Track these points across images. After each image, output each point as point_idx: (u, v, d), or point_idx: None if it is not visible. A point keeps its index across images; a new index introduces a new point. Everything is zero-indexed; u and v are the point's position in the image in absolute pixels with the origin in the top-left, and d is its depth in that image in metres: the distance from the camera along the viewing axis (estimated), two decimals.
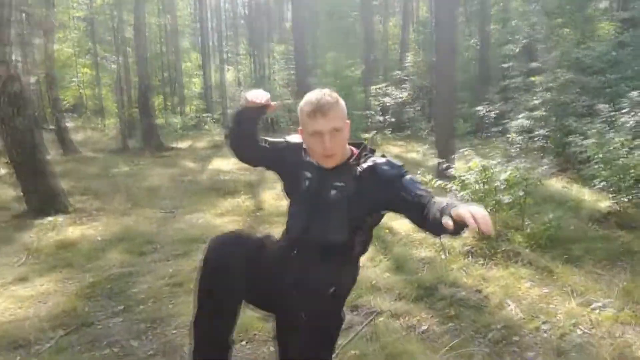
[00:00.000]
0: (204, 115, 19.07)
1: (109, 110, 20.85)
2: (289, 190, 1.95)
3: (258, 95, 1.81)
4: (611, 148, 5.33)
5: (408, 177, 1.70)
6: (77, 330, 3.10)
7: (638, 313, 3.19)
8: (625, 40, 8.30)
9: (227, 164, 10.16)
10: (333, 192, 1.77)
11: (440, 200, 1.53)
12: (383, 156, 1.81)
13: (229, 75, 23.57)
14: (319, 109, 1.68)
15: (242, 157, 1.97)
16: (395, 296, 3.45)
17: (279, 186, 7.54)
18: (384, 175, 1.70)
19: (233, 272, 1.72)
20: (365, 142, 1.92)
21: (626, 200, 5.36)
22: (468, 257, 4.25)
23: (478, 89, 14.76)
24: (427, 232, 1.65)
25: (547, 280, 3.77)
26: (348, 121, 1.79)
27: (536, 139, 8.30)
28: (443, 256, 4.29)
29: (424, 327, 3.05)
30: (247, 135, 1.90)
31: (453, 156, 7.45)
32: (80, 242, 4.99)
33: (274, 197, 6.72)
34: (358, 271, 1.94)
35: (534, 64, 10.37)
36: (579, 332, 3.00)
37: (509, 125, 10.01)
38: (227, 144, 1.97)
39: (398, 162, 1.75)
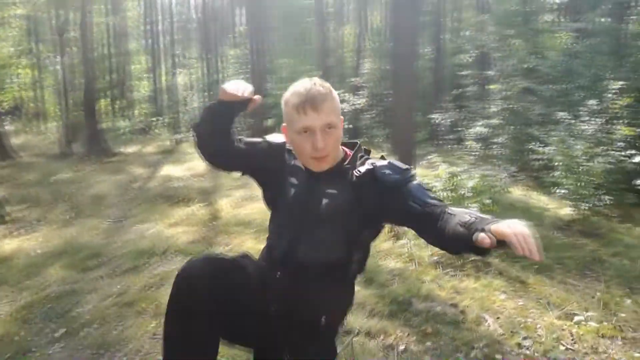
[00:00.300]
0: (153, 119, 18.35)
1: (51, 113, 19.77)
2: (270, 200, 1.67)
3: (239, 87, 1.49)
4: (574, 156, 5.33)
5: (415, 182, 1.44)
6: (12, 359, 2.71)
7: (618, 325, 3.11)
8: (579, 50, 8.48)
9: (178, 170, 9.69)
10: (325, 201, 1.50)
11: (459, 212, 1.29)
12: (383, 158, 1.55)
13: (180, 78, 22.87)
14: (310, 102, 1.42)
15: (212, 161, 1.65)
16: (368, 312, 3.21)
17: (236, 193, 7.29)
18: (386, 181, 1.43)
19: (201, 294, 1.41)
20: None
21: (587, 207, 5.37)
22: (437, 267, 4.08)
23: (432, 97, 14.88)
24: (441, 248, 1.41)
25: (520, 292, 3.64)
26: (341, 117, 1.53)
27: (493, 146, 8.32)
28: (412, 267, 4.10)
29: (402, 347, 2.83)
30: (220, 134, 1.58)
31: (413, 165, 7.34)
32: (17, 256, 4.52)
33: (231, 204, 6.38)
34: (353, 295, 1.66)
35: (490, 72, 10.48)
36: (562, 347, 2.87)
37: (465, 133, 10.05)
38: (195, 144, 1.65)
39: (402, 165, 1.48)
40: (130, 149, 14.93)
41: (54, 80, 17.84)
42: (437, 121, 11.37)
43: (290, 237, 1.53)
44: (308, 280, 1.49)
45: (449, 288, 3.64)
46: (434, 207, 1.35)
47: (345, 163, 1.55)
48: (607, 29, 8.88)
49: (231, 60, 20.73)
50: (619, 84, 6.02)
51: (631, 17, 9.52)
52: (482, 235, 1.11)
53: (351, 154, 1.58)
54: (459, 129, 11.06)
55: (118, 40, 23.60)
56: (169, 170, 9.91)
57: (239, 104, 1.53)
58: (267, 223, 5.20)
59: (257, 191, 5.87)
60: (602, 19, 9.64)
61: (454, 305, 3.35)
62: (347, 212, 1.47)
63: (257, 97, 1.54)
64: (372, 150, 1.67)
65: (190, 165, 10.12)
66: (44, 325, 3.11)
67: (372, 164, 1.48)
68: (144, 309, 3.32)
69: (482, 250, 1.15)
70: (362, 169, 1.48)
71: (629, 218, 5.59)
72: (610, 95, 6.01)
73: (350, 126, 15.64)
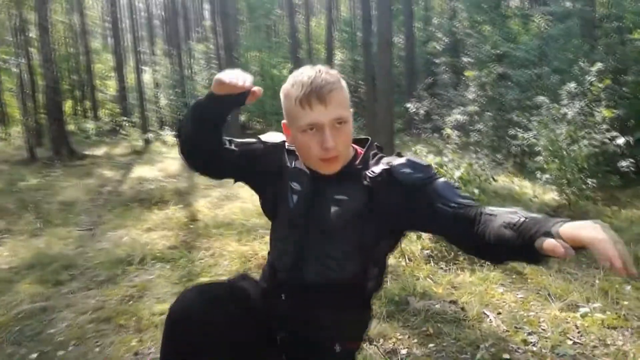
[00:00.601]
0: (121, 119, 17.81)
1: (13, 117, 19.02)
2: (270, 210, 1.44)
3: (238, 76, 1.23)
4: (557, 140, 5.26)
5: (441, 180, 1.23)
6: None
7: (621, 314, 3.00)
8: (552, 33, 8.46)
9: (151, 171, 9.35)
10: (334, 209, 1.28)
11: (501, 211, 1.09)
12: (399, 155, 1.33)
13: (146, 76, 22.30)
14: (315, 93, 1.19)
15: (199, 167, 1.42)
16: None
17: (213, 193, 7.00)
18: (406, 181, 1.22)
19: (198, 332, 1.21)
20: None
21: (572, 192, 5.32)
22: (430, 262, 3.94)
23: (405, 86, 14.80)
24: (482, 257, 1.21)
25: (518, 284, 3.52)
26: (351, 109, 1.31)
27: (472, 134, 8.24)
28: (404, 263, 3.95)
29: (404, 351, 2.67)
30: (212, 136, 1.34)
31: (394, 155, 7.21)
32: None
33: (210, 205, 6.13)
34: (371, 317, 1.45)
35: (465, 59, 10.40)
36: (569, 342, 2.74)
37: (441, 121, 9.97)
38: (181, 151, 1.40)
39: (423, 162, 1.27)
40: (99, 151, 14.46)
41: (14, 83, 17.15)
42: (412, 110, 11.25)
43: (295, 253, 1.32)
44: (318, 303, 1.29)
45: (445, 284, 3.50)
46: (468, 208, 1.14)
47: (357, 163, 1.33)
48: (578, 12, 8.86)
49: (198, 55, 20.30)
50: (597, 66, 5.96)
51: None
52: (550, 242, 0.90)
53: (362, 153, 1.36)
54: (435, 117, 10.98)
55: (80, 39, 22.91)
56: (140, 171, 9.55)
57: (237, 98, 1.27)
58: (249, 223, 4.93)
59: (236, 190, 5.61)
60: (570, 3, 9.65)
61: (453, 302, 3.21)
62: (360, 221, 1.27)
63: (257, 88, 1.29)
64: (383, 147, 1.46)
65: (163, 166, 9.79)
66: (14, 350, 2.83)
67: (387, 162, 1.27)
68: (124, 324, 3.09)
69: (539, 259, 0.96)
70: (377, 169, 1.26)
71: (614, 200, 5.57)
72: (589, 77, 5.95)
73: None
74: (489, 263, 3.63)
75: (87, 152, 13.54)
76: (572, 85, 5.99)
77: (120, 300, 3.43)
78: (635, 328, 2.87)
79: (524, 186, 6.62)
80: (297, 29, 17.47)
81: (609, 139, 5.46)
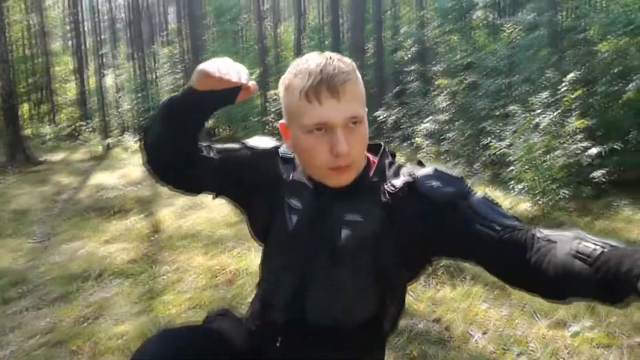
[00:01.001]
0: (80, 123, 17.15)
1: None
2: (260, 231, 1.19)
3: (230, 68, 0.97)
4: (533, 149, 5.20)
5: (478, 196, 1.01)
6: None
7: (609, 332, 2.89)
8: (521, 43, 8.52)
9: (111, 178, 8.91)
10: (345, 232, 1.03)
11: (561, 237, 0.87)
12: (420, 163, 1.10)
13: (108, 80, 21.65)
14: (327, 83, 0.95)
15: (170, 179, 1.16)
16: None
17: (178, 201, 6.68)
18: (436, 197, 0.99)
19: None
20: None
21: (544, 202, 5.26)
22: None
23: (374, 94, 14.75)
24: (541, 294, 0.92)
25: (502, 299, 3.38)
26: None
27: (442, 143, 8.18)
28: None
29: None
30: (185, 141, 1.08)
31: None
32: None
33: (174, 214, 5.81)
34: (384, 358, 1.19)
35: (435, 67, 10.39)
36: None
37: (410, 130, 9.91)
38: (144, 158, 1.14)
39: (453, 173, 1.05)
40: (57, 156, 13.85)
41: None
42: (381, 119, 11.18)
43: (295, 287, 1.08)
44: (323, 351, 1.05)
45: (426, 300, 3.32)
46: (517, 231, 0.92)
47: (371, 174, 1.08)
48: (546, 23, 8.95)
49: (163, 59, 19.84)
50: (571, 75, 5.97)
51: (560, 12, 9.70)
52: None
53: (376, 161, 1.11)
54: (404, 126, 10.92)
55: (39, 41, 22.11)
56: (100, 178, 9.10)
57: (225, 95, 1.00)
58: (216, 234, 4.57)
59: (202, 198, 5.23)
60: (535, 14, 9.76)
61: (436, 321, 3.03)
62: (378, 247, 1.02)
63: (252, 83, 1.01)
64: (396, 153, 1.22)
65: (124, 172, 9.37)
66: None
67: (410, 174, 1.04)
68: (79, 348, 2.82)
69: (623, 299, 0.77)
70: (397, 182, 1.03)
71: (586, 211, 5.53)
72: (562, 87, 5.95)
73: None
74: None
75: (43, 158, 12.94)
76: (544, 95, 5.97)
77: (74, 322, 3.15)
78: (625, 347, 2.76)
79: (496, 196, 6.55)
80: (265, 34, 17.26)
81: (582, 150, 5.44)
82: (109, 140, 14.50)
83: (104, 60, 24.46)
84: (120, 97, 20.40)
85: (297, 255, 1.08)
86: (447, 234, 0.98)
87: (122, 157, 12.64)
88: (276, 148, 1.18)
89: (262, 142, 1.21)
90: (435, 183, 1.00)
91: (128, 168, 9.89)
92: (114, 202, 6.69)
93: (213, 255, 4.26)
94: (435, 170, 1.04)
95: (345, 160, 0.98)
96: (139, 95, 17.73)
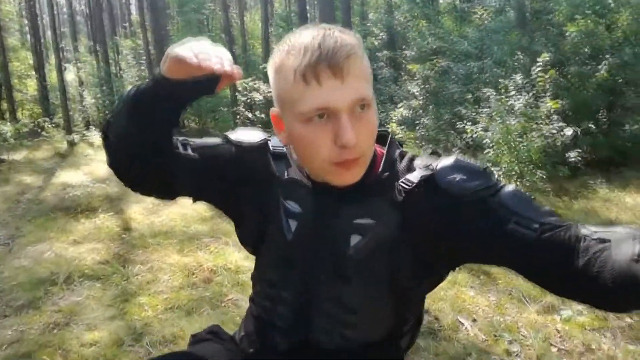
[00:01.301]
0: (43, 119, 16.54)
1: None
2: (251, 241, 1.02)
3: (209, 53, 0.81)
4: (510, 132, 5.18)
5: (509, 189, 0.83)
6: None
7: (600, 315, 2.85)
8: (491, 26, 8.50)
9: (76, 175, 8.58)
10: (355, 239, 0.87)
11: (618, 235, 0.73)
12: (435, 153, 0.95)
13: (70, 75, 20.96)
14: (328, 60, 0.78)
15: (139, 182, 0.98)
16: None
17: (148, 197, 6.54)
18: (460, 193, 0.83)
19: None
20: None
21: (521, 184, 5.25)
22: None
23: None
24: (590, 303, 0.78)
25: (488, 285, 3.32)
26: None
27: (418, 128, 8.12)
28: None
29: None
30: (156, 137, 0.91)
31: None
32: None
33: (144, 211, 5.59)
34: None
35: (407, 52, 10.31)
36: (554, 350, 2.55)
37: (385, 116, 9.84)
38: (108, 158, 0.96)
39: (477, 164, 0.88)
40: (18, 155, 13.30)
41: None
42: None
43: (298, 305, 0.93)
44: None
45: None
46: (558, 229, 0.77)
47: (381, 169, 0.90)
48: (514, 5, 8.96)
49: (126, 52, 19.31)
50: (544, 56, 5.95)
51: None
52: None
53: (384, 153, 0.93)
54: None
55: None
56: (65, 176, 8.75)
57: (203, 84, 0.83)
58: (190, 230, 4.35)
59: None
60: None
61: (425, 311, 2.95)
62: (394, 254, 0.87)
63: (237, 68, 0.83)
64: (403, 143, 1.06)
65: (90, 169, 9.05)
66: None
67: (426, 166, 0.88)
68: (49, 357, 2.64)
69: None
70: (413, 176, 0.87)
71: (564, 191, 5.55)
72: (535, 69, 5.93)
73: (264, 116, 15.05)
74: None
75: (4, 157, 12.40)
76: (518, 77, 5.95)
77: (42, 329, 2.96)
78: (616, 328, 2.72)
79: None
80: (231, 23, 16.91)
81: (557, 130, 5.45)
82: (74, 136, 14.02)
83: (65, 54, 23.69)
84: (83, 91, 19.80)
85: (299, 267, 0.92)
86: (475, 236, 0.83)
87: (87, 153, 12.24)
88: (265, 142, 1.01)
89: (247, 135, 1.02)
90: (457, 176, 0.85)
91: (94, 164, 9.57)
92: (81, 200, 6.40)
93: (188, 252, 4.08)
94: (457, 162, 0.88)
95: (352, 153, 0.81)
96: (103, 88, 17.23)
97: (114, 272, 3.76)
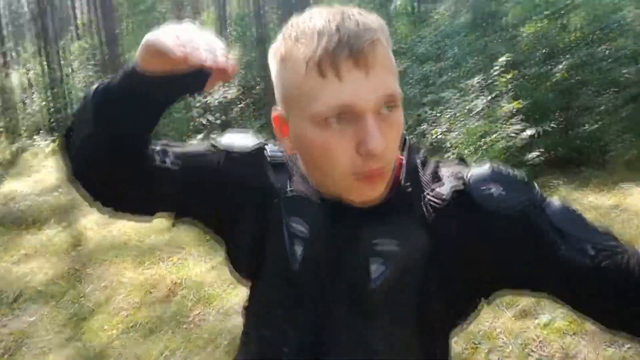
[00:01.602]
0: None
1: None
2: (244, 267, 0.84)
3: (197, 41, 0.65)
4: (472, 133, 5.19)
5: (556, 204, 0.70)
6: None
7: (574, 320, 2.82)
8: (447, 30, 8.60)
9: (23, 185, 8.10)
10: (376, 267, 0.71)
11: None
12: (462, 160, 0.80)
13: (14, 79, 20.06)
14: (350, 46, 0.62)
15: (108, 199, 0.82)
16: None
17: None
18: (500, 209, 0.69)
19: None
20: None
21: None
22: None
23: None
24: None
25: None
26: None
27: None
28: None
29: None
30: (129, 145, 0.74)
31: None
32: None
33: (98, 222, 5.28)
34: None
35: None
36: (534, 356, 2.50)
37: None
38: (69, 171, 0.78)
39: (515, 174, 0.73)
40: None
41: None
42: None
43: (308, 347, 0.76)
44: None
45: None
46: (617, 254, 0.65)
47: (403, 180, 0.76)
48: (470, 8, 9.09)
49: (75, 52, 18.63)
50: (503, 57, 6.02)
51: None
52: None
53: (403, 161, 0.77)
54: None
55: None
56: (10, 186, 8.26)
57: (190, 81, 0.68)
58: (147, 242, 4.09)
59: None
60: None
61: None
62: (422, 285, 0.72)
63: (232, 63, 0.68)
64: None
65: (38, 178, 8.56)
66: None
67: (456, 176, 0.74)
68: None
69: None
70: (442, 189, 0.74)
71: None
72: (494, 70, 5.99)
73: (220, 121, 14.74)
74: None
75: None
76: (476, 79, 5.98)
77: None
78: (592, 332, 2.69)
79: None
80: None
81: (518, 132, 5.49)
82: (18, 145, 13.36)
83: (9, 57, 22.67)
84: (27, 96, 19.00)
85: (308, 301, 0.76)
86: (517, 261, 0.70)
87: (34, 162, 11.66)
88: (260, 148, 0.85)
89: (238, 140, 0.86)
90: (495, 189, 0.70)
91: (42, 173, 9.06)
92: (27, 213, 6.02)
93: (146, 267, 3.86)
94: (492, 170, 0.73)
95: (378, 162, 0.66)
96: (53, 92, 16.53)
97: (66, 292, 3.54)
